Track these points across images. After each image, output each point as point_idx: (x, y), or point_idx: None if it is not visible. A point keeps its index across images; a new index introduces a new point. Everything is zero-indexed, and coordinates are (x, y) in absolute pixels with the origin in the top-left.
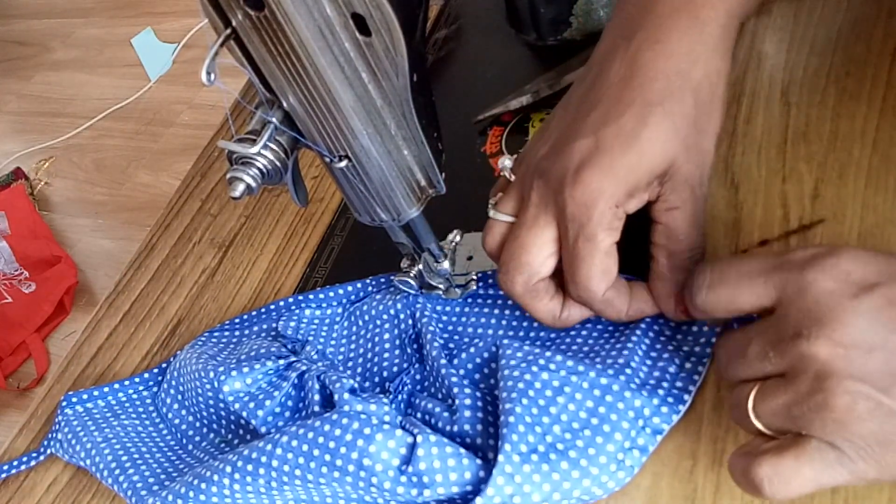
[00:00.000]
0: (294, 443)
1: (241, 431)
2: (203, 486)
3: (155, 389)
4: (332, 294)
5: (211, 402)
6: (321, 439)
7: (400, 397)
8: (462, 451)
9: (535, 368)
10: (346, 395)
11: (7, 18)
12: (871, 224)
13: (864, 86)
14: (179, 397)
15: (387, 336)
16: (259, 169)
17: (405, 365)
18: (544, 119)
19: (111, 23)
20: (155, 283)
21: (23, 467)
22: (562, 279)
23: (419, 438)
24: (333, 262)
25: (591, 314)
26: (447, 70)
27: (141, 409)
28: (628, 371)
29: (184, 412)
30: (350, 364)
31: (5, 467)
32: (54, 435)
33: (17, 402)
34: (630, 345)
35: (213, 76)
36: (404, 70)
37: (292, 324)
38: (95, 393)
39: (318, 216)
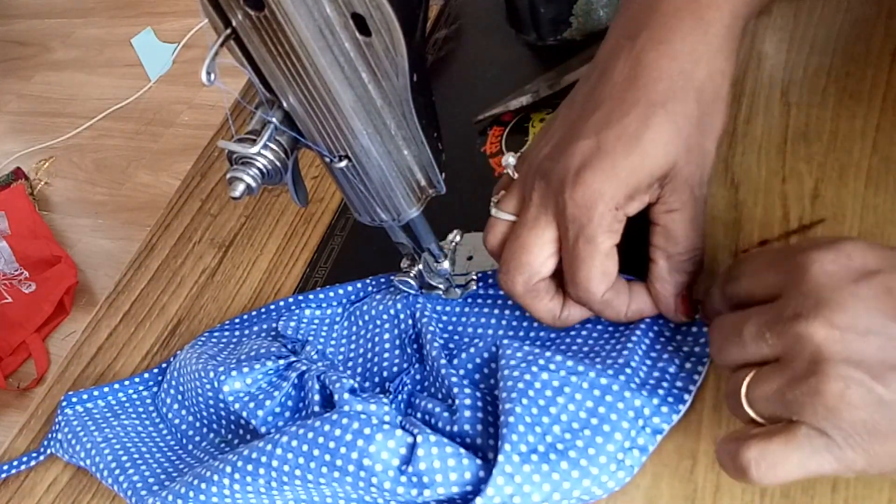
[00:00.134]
0: (294, 443)
1: (241, 431)
2: (203, 486)
3: (155, 389)
4: (332, 294)
5: (211, 402)
6: (321, 439)
7: (400, 397)
8: (462, 451)
9: (534, 368)
10: (346, 395)
11: (7, 18)
12: (871, 224)
13: (864, 86)
14: (179, 397)
15: (387, 336)
16: (259, 169)
17: (405, 365)
18: (544, 119)
19: (111, 23)
20: (155, 283)
21: (23, 467)
22: (562, 279)
23: (419, 438)
24: (333, 262)
25: (591, 314)
26: (447, 70)
27: (141, 409)
28: (628, 371)
29: (184, 412)
30: (350, 364)
31: (5, 467)
32: (54, 435)
33: (17, 402)
34: (630, 344)
35: (213, 76)
36: (404, 70)
37: (292, 324)
38: (95, 393)
39: (318, 216)
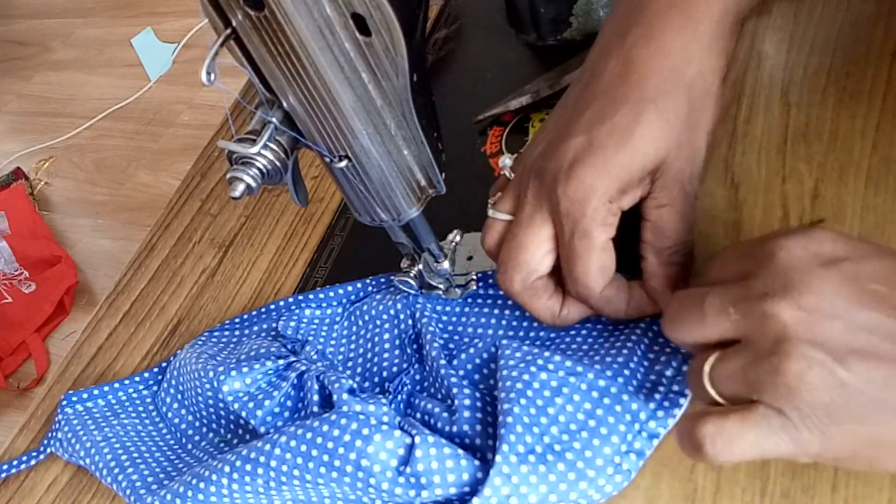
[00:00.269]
0: (293, 443)
1: (240, 431)
2: (202, 485)
3: (155, 388)
4: (332, 294)
5: (210, 401)
6: (319, 439)
7: (399, 397)
8: (460, 452)
9: (533, 369)
10: (345, 396)
11: (7, 18)
12: (871, 224)
13: (865, 86)
14: (179, 397)
15: (387, 336)
16: (259, 169)
17: (405, 365)
18: (544, 119)
19: (111, 23)
20: (155, 283)
21: (23, 466)
22: (561, 277)
23: (417, 439)
24: (333, 262)
25: (591, 313)
26: (447, 70)
27: (141, 409)
28: (626, 372)
29: (183, 411)
30: (350, 364)
31: (5, 467)
32: (54, 434)
33: (17, 402)
34: (630, 344)
35: (213, 76)
36: (404, 70)
37: (292, 323)
38: (95, 392)
39: (318, 216)
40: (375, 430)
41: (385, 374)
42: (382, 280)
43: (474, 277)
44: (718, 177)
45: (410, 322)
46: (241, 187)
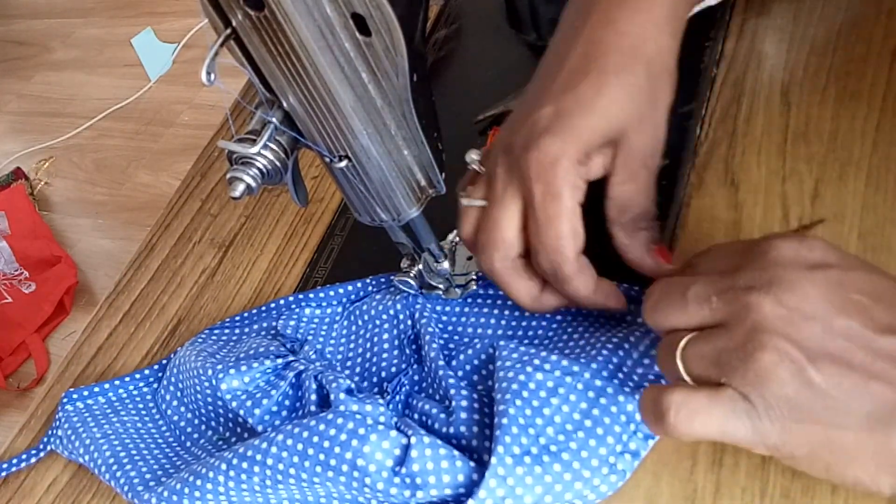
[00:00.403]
0: (289, 442)
1: (238, 430)
2: (198, 482)
3: (155, 386)
4: (332, 293)
5: (209, 399)
6: (316, 439)
7: (398, 398)
8: (456, 453)
9: (529, 369)
10: (342, 396)
11: (7, 18)
12: (871, 224)
13: (864, 85)
14: (179, 394)
15: (386, 336)
16: (259, 169)
17: (403, 366)
18: None
19: (111, 23)
20: (155, 283)
21: (23, 465)
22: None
23: (413, 440)
24: (333, 262)
25: (566, 302)
26: (447, 70)
27: (141, 406)
28: (621, 375)
29: (183, 409)
30: (349, 364)
31: (4, 465)
32: (54, 431)
33: (17, 402)
34: (626, 345)
35: (213, 76)
36: (404, 70)
37: (292, 322)
38: (96, 389)
39: (318, 216)
40: (372, 431)
41: (384, 374)
42: (382, 280)
43: (474, 277)
44: (718, 177)
45: (410, 322)
46: (241, 187)
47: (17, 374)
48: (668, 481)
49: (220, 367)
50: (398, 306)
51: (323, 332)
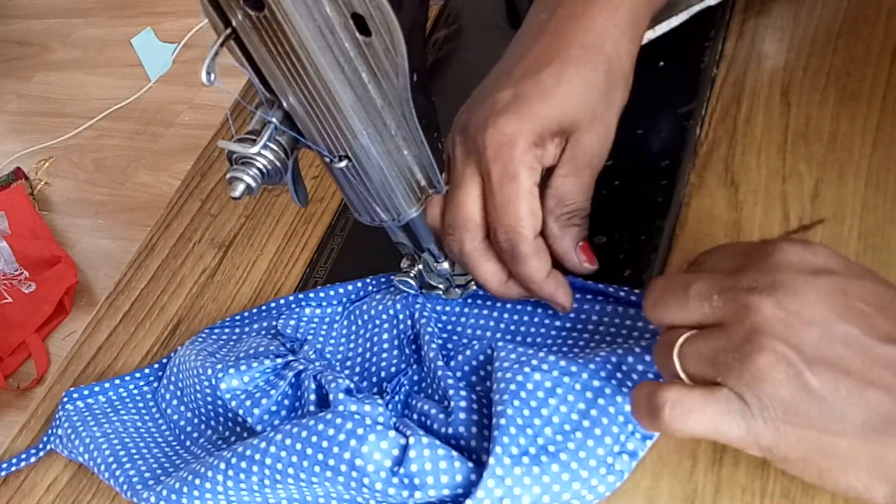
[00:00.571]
0: (288, 441)
1: (238, 429)
2: (197, 481)
3: (155, 385)
4: (332, 293)
5: (209, 399)
6: (315, 438)
7: (397, 398)
8: (454, 453)
9: (527, 369)
10: (341, 396)
11: (7, 18)
12: (871, 224)
13: (865, 86)
14: (178, 393)
15: (385, 336)
16: (259, 169)
17: (403, 366)
18: None
19: (111, 23)
20: (155, 283)
21: (23, 464)
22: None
23: (411, 440)
24: (333, 262)
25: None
26: (447, 70)
27: (141, 405)
28: (619, 375)
29: (182, 408)
30: (348, 364)
31: (4, 465)
32: (54, 430)
33: (17, 402)
34: (625, 346)
35: (213, 76)
36: (404, 70)
37: (292, 322)
38: (96, 389)
39: (318, 216)
40: (370, 431)
41: (383, 374)
42: (382, 280)
43: None
44: (718, 177)
45: (409, 322)
46: (241, 187)
47: (17, 374)
48: (667, 481)
49: (219, 366)
50: (398, 306)
51: (323, 332)
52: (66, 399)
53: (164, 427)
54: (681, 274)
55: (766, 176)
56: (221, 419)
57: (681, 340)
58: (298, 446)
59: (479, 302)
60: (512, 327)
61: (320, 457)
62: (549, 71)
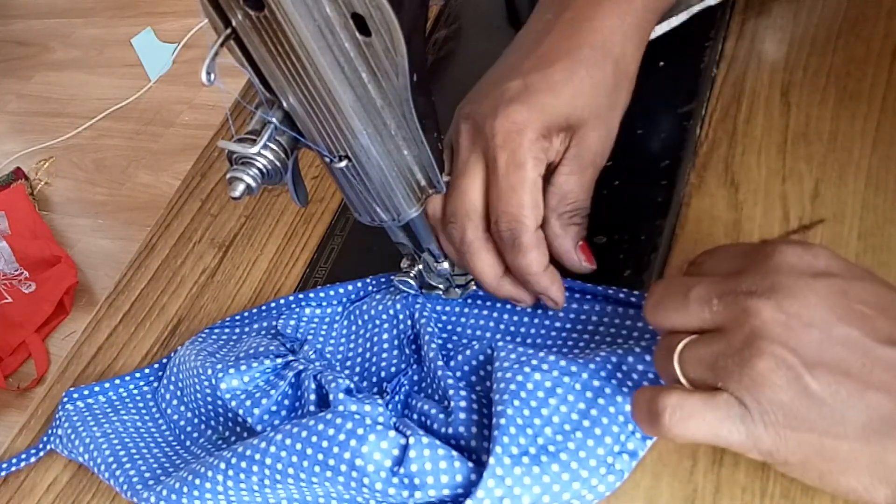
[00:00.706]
0: (288, 441)
1: (238, 429)
2: (197, 481)
3: (155, 385)
4: (332, 293)
5: (209, 399)
6: (314, 438)
7: (397, 398)
8: (454, 453)
9: (527, 369)
10: (341, 395)
11: (7, 18)
12: (871, 224)
13: (865, 85)
14: (178, 393)
15: (385, 336)
16: (259, 169)
17: (403, 366)
18: None
19: (111, 23)
20: (155, 283)
21: (22, 464)
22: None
23: (411, 440)
24: (333, 262)
25: (522, 295)
26: (447, 70)
27: (141, 405)
28: (619, 375)
29: (182, 408)
30: (348, 364)
31: (4, 465)
32: (54, 430)
33: (17, 402)
34: (625, 345)
35: (213, 76)
36: (404, 70)
37: (292, 322)
38: (96, 388)
39: (318, 216)
40: (370, 431)
41: (383, 374)
42: (382, 280)
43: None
44: (718, 177)
45: (409, 322)
46: (241, 187)
47: (17, 374)
48: (668, 481)
49: (219, 366)
50: (398, 306)
51: (323, 332)
52: (66, 399)
53: (164, 427)
54: (681, 277)
55: (766, 176)
56: (221, 419)
57: (681, 345)
58: (298, 446)
59: (479, 302)
60: (512, 327)
61: (320, 457)
62: (559, 67)
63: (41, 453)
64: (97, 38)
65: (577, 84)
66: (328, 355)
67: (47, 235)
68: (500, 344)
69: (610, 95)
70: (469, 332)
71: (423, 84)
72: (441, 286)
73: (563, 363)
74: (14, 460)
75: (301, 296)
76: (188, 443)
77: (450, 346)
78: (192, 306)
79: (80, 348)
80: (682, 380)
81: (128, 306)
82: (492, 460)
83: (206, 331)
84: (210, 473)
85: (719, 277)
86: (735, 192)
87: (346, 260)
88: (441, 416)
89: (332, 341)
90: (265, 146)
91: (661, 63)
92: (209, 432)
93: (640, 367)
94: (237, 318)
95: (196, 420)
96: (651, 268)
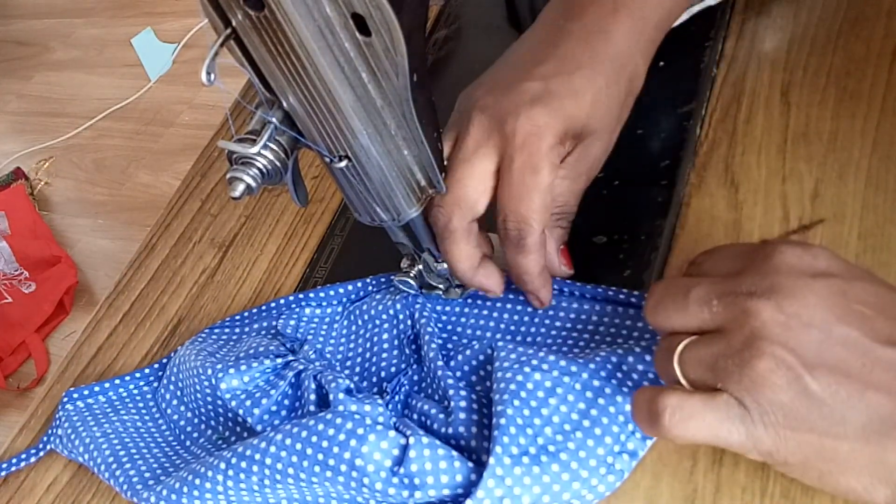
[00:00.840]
0: (288, 441)
1: (238, 429)
2: (197, 481)
3: (155, 385)
4: (332, 293)
5: (209, 399)
6: (315, 438)
7: (397, 398)
8: (454, 453)
9: (527, 369)
10: (341, 395)
11: (7, 18)
12: (871, 224)
13: (865, 85)
14: (178, 393)
15: (385, 336)
16: (259, 169)
17: (403, 366)
18: None
19: (111, 23)
20: (155, 283)
21: (22, 464)
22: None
23: (411, 440)
24: (333, 262)
25: (502, 285)
26: (447, 70)
27: (141, 405)
28: (619, 375)
29: (182, 408)
30: (348, 364)
31: (4, 465)
32: (54, 430)
33: (17, 402)
34: (626, 345)
35: (213, 76)
36: (404, 70)
37: (292, 322)
38: (97, 388)
39: (318, 216)
40: (370, 431)
41: (383, 374)
42: (382, 280)
43: None
44: (718, 177)
45: (409, 322)
46: (241, 187)
47: (17, 374)
48: (668, 481)
49: (219, 366)
50: (398, 306)
51: (323, 332)
52: (66, 399)
53: (164, 427)
54: (680, 278)
55: (766, 176)
56: (221, 419)
57: (681, 346)
58: (298, 446)
59: (479, 302)
60: (512, 327)
61: (320, 457)
62: (581, 74)
63: (41, 453)
64: (97, 38)
65: (597, 94)
66: (328, 355)
67: (47, 235)
68: (500, 344)
69: (620, 110)
70: (469, 332)
71: (423, 84)
72: (441, 286)
73: (563, 363)
74: (14, 460)
75: (301, 296)
76: (188, 443)
77: (450, 346)
78: (192, 306)
79: (80, 348)
80: (682, 380)
81: (128, 306)
82: (492, 460)
83: (206, 331)
84: (210, 473)
85: (719, 278)
86: (735, 192)
87: (346, 260)
88: (441, 416)
89: (332, 341)
90: (265, 146)
91: (661, 63)
92: (209, 432)
93: (640, 367)
94: (237, 318)
95: (196, 420)
96: (651, 268)
